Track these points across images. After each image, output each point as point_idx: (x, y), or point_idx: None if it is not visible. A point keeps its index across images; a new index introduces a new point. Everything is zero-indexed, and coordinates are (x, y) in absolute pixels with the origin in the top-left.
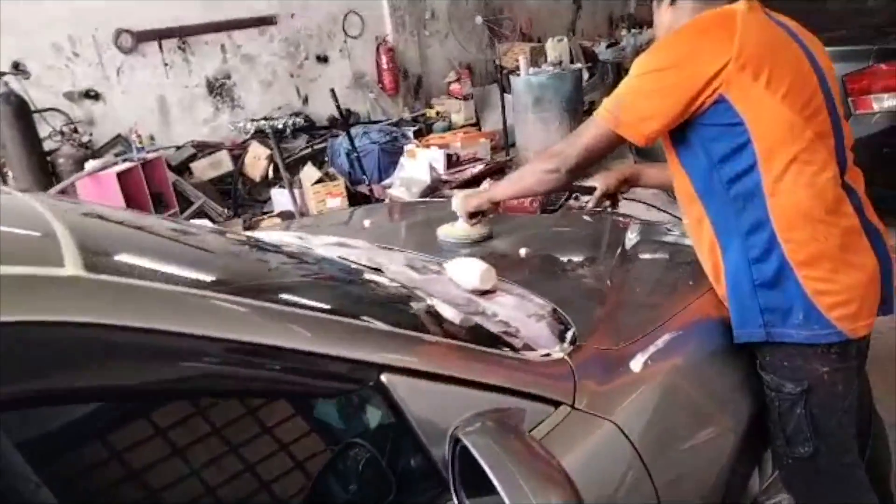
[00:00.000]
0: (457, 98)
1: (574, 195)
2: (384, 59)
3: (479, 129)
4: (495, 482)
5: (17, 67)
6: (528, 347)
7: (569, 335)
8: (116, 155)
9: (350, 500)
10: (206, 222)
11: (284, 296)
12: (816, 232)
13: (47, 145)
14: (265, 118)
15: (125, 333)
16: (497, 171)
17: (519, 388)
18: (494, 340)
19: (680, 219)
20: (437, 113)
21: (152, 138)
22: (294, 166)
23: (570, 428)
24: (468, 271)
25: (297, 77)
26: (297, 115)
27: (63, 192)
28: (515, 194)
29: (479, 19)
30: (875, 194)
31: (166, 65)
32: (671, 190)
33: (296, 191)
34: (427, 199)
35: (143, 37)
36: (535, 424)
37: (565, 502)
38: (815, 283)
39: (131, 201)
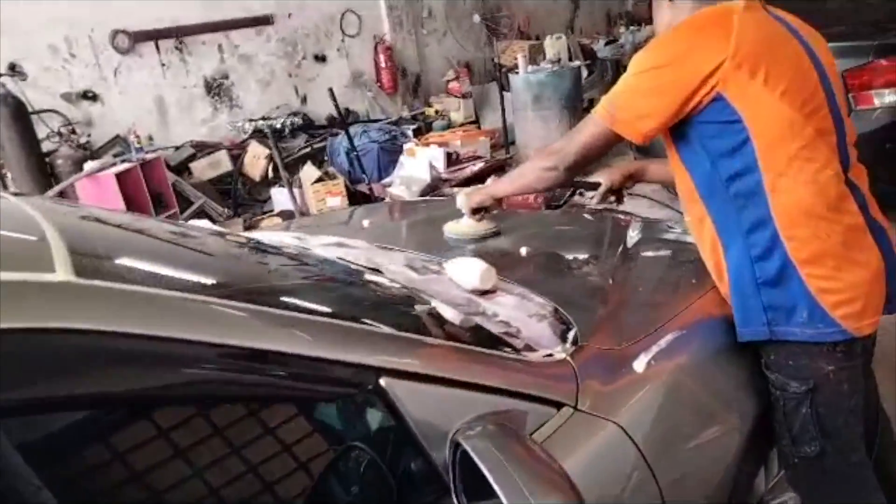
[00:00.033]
0: (456, 96)
1: (579, 191)
2: (382, 58)
3: (479, 128)
4: (496, 487)
5: (14, 69)
6: (529, 348)
7: (571, 335)
8: (115, 156)
9: (350, 503)
10: (205, 223)
11: (281, 299)
12: (819, 230)
13: (45, 146)
14: (263, 118)
15: (117, 340)
16: (497, 169)
17: (520, 389)
18: (495, 341)
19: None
20: (437, 111)
21: (151, 139)
22: (293, 165)
23: (573, 430)
24: (468, 271)
25: (295, 77)
26: (295, 114)
27: (62, 193)
28: (516, 191)
29: (476, 17)
30: (878, 191)
31: (163, 65)
32: (674, 186)
33: (296, 190)
34: (427, 197)
35: (139, 37)
36: (537, 427)
37: None
38: (818, 282)
39: (131, 202)
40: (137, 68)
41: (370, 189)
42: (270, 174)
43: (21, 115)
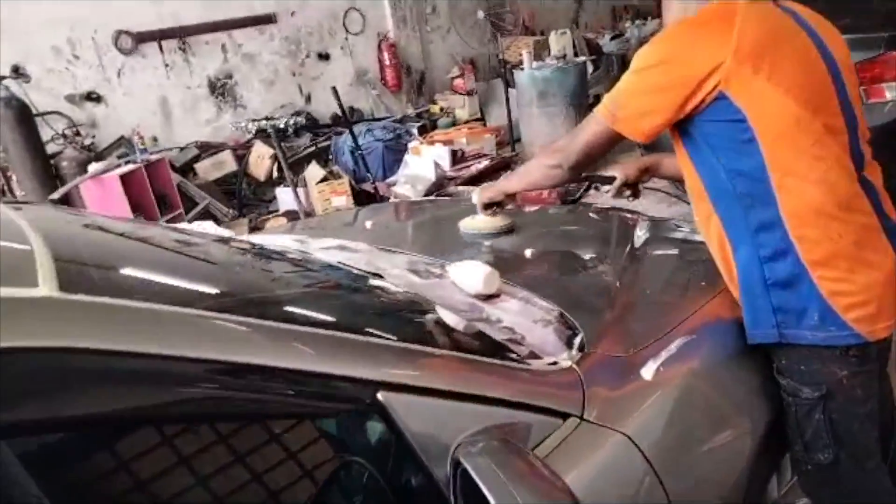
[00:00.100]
0: (460, 93)
1: (594, 186)
2: (386, 56)
3: (484, 125)
4: None
5: (18, 71)
6: (533, 355)
7: (577, 341)
8: (119, 157)
9: None
10: (209, 224)
11: (276, 311)
12: (830, 230)
13: (50, 148)
14: (267, 118)
15: (101, 358)
16: (503, 167)
17: (525, 400)
18: (499, 349)
19: None
20: (441, 109)
21: (155, 139)
22: (298, 165)
23: (579, 441)
24: (471, 275)
25: (298, 75)
26: (298, 114)
27: (67, 195)
28: (524, 187)
29: (480, 14)
30: (890, 187)
31: (167, 65)
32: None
33: (301, 190)
34: (433, 197)
35: (142, 38)
36: (542, 439)
37: None
38: (830, 284)
39: (135, 204)
40: (141, 69)
41: (375, 188)
42: (275, 174)
43: (25, 117)
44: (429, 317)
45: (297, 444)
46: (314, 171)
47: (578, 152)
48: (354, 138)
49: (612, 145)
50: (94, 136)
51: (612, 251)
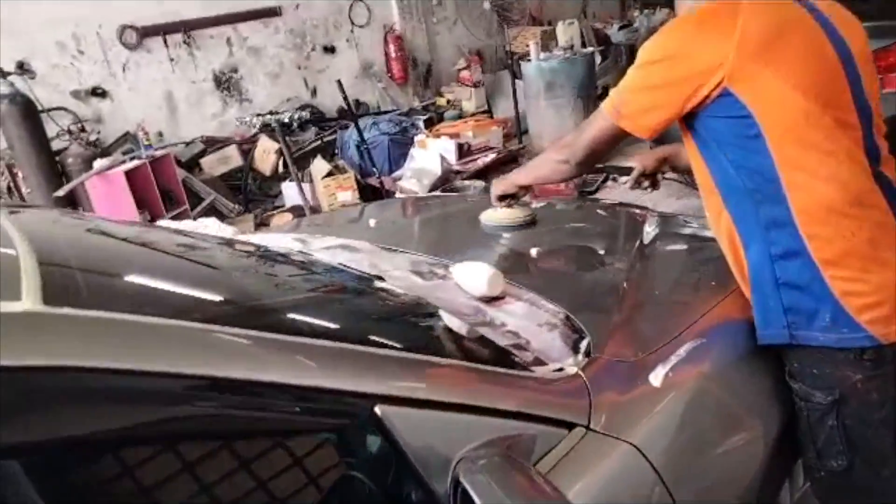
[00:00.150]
0: (467, 85)
1: (612, 176)
2: (392, 48)
3: (491, 117)
4: None
5: (22, 67)
6: (538, 361)
7: (583, 345)
8: (125, 153)
9: None
10: (212, 221)
11: (272, 321)
12: (842, 227)
13: (56, 145)
14: (271, 112)
15: (86, 376)
16: (510, 160)
17: (529, 411)
18: (502, 356)
19: None
20: (448, 101)
21: (161, 134)
22: (304, 159)
23: (585, 452)
24: (475, 276)
25: (304, 69)
26: (303, 108)
27: (73, 191)
28: (534, 181)
29: (486, 4)
30: None
31: (172, 60)
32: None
33: (307, 185)
34: (437, 192)
35: (147, 32)
36: (546, 451)
37: None
38: (842, 284)
39: (141, 199)
40: (146, 64)
41: (381, 182)
42: (281, 168)
43: (30, 113)
44: (430, 322)
45: (293, 460)
46: (320, 166)
47: (585, 148)
48: (360, 132)
49: (618, 141)
50: (99, 132)
51: (619, 249)
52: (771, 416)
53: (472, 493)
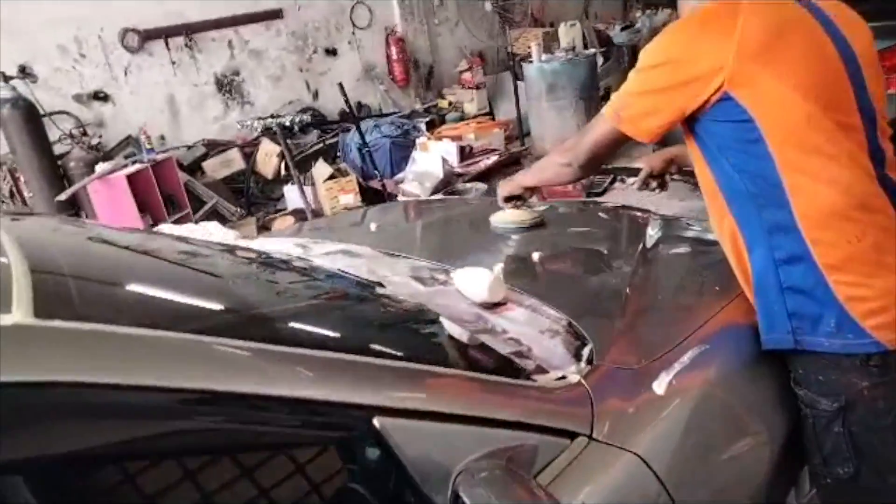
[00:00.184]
0: (469, 87)
1: (619, 178)
2: (394, 50)
3: (493, 119)
4: None
5: (24, 71)
6: (540, 370)
7: (585, 352)
8: (127, 157)
9: None
10: (214, 225)
11: (269, 332)
12: (846, 232)
13: (58, 149)
14: (273, 115)
15: (76, 391)
16: (512, 162)
17: (531, 420)
18: (504, 364)
19: None
20: (450, 103)
21: (163, 138)
22: (306, 162)
23: (588, 462)
24: (476, 282)
25: (306, 71)
26: (305, 111)
27: (74, 195)
28: (539, 183)
29: (488, 6)
30: None
31: (174, 63)
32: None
33: (309, 188)
34: (440, 195)
35: (149, 35)
36: (548, 461)
37: None
38: (847, 289)
39: (143, 203)
40: (148, 67)
41: (383, 185)
42: (283, 172)
43: (32, 117)
44: (430, 330)
45: (290, 474)
46: (322, 169)
47: (587, 151)
48: (361, 135)
49: (620, 145)
50: (101, 136)
51: (622, 253)
52: (776, 423)
53: None
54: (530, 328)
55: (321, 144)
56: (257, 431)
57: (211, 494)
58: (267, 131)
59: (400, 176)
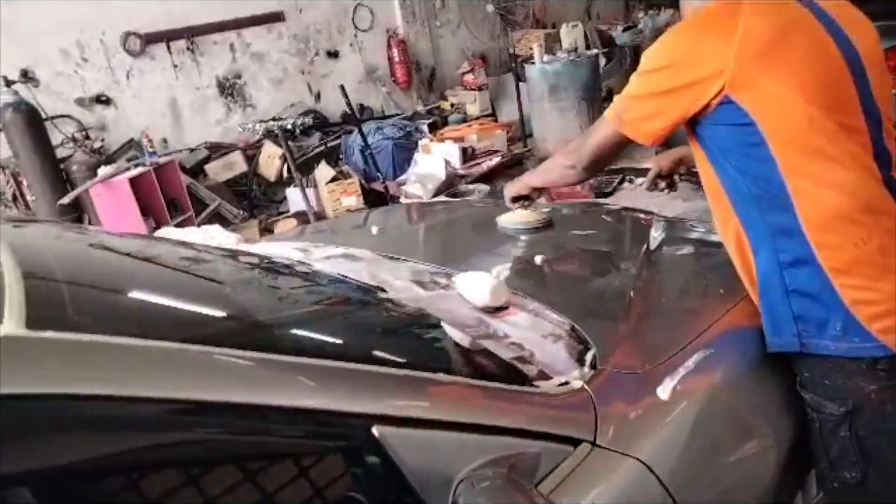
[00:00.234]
0: (471, 89)
1: (628, 178)
2: (396, 52)
3: (495, 120)
4: None
5: (26, 75)
6: (543, 375)
7: (588, 357)
8: (129, 160)
9: None
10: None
11: (266, 340)
12: (851, 235)
13: (60, 153)
14: (274, 118)
15: (69, 404)
16: (515, 164)
17: (533, 427)
18: (505, 370)
19: None
20: (452, 105)
21: (165, 141)
22: (308, 164)
23: (591, 469)
24: (478, 287)
25: (308, 73)
26: (306, 114)
27: (77, 199)
28: (545, 184)
29: (490, 7)
30: None
31: (176, 66)
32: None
33: (311, 190)
34: (442, 197)
35: (151, 39)
36: (551, 469)
37: None
38: (852, 292)
39: (145, 207)
40: (150, 70)
41: (385, 187)
42: (286, 174)
43: (34, 121)
44: (431, 336)
45: (288, 484)
46: (324, 172)
47: (590, 154)
48: (363, 137)
49: (622, 147)
50: (103, 139)
51: (625, 255)
52: (782, 427)
53: None
54: (533, 333)
55: (323, 147)
56: (252, 442)
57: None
58: (269, 134)
59: (402, 178)
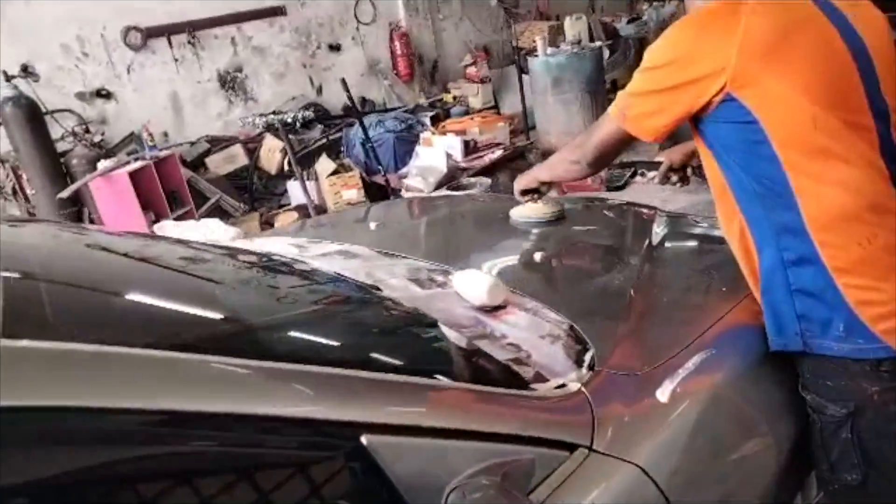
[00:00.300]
0: (474, 82)
1: (640, 171)
2: (398, 45)
3: (498, 113)
4: None
5: (26, 70)
6: (539, 377)
7: (587, 358)
8: (129, 154)
9: None
10: (215, 222)
11: (253, 346)
12: (856, 234)
13: (60, 147)
14: (274, 112)
15: (47, 415)
16: (517, 157)
17: (528, 433)
18: (501, 372)
19: None
20: (455, 98)
21: (166, 135)
22: (309, 157)
23: (587, 475)
24: (475, 286)
25: (309, 67)
26: (307, 107)
27: (77, 193)
28: (552, 178)
29: (493, 0)
30: None
31: (177, 60)
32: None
33: (312, 183)
34: (444, 191)
35: (151, 33)
36: (546, 475)
37: None
38: (857, 292)
39: (145, 200)
40: (150, 65)
41: (386, 180)
42: (286, 167)
43: (34, 115)
44: (425, 339)
45: (275, 495)
46: (325, 165)
47: (594, 150)
48: (365, 130)
49: (626, 144)
50: (104, 133)
51: (627, 252)
52: (783, 428)
53: None
54: (530, 333)
55: (325, 140)
56: (238, 454)
57: None
58: (269, 128)
59: (403, 171)
